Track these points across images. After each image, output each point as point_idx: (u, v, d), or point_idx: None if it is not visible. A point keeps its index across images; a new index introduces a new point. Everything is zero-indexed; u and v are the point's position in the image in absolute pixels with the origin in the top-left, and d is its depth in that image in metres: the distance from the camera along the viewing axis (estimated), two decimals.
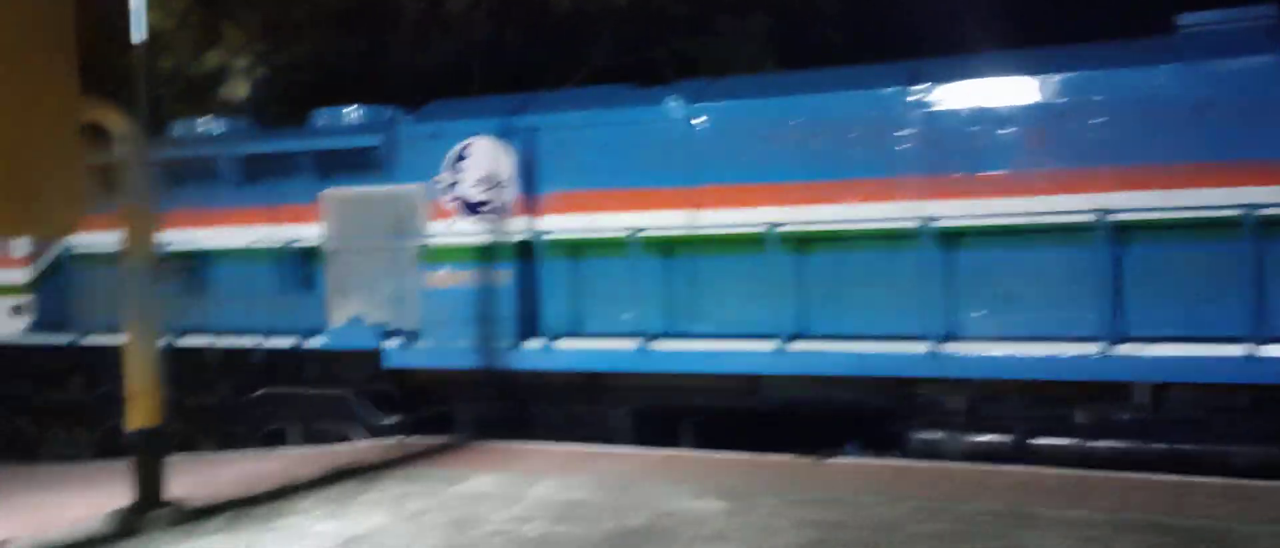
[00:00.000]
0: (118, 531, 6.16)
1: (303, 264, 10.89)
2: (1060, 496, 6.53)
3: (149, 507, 6.33)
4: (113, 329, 11.48)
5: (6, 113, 5.45)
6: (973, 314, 8.11)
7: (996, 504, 6.34)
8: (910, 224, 8.10)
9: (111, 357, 11.55)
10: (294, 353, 10.66)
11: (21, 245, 11.84)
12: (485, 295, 9.71)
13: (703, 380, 8.99)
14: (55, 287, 11.99)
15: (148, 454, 6.37)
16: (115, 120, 6.30)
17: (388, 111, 11.13)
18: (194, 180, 11.46)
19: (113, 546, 5.98)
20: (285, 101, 21.02)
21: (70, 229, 6.07)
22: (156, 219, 6.68)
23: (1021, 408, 8.06)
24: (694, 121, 9.16)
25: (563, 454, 8.48)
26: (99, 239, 11.59)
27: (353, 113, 11.14)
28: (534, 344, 9.49)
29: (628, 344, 9.08)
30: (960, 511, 6.22)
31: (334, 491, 7.33)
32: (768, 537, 5.71)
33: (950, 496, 6.58)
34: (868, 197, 8.46)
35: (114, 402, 11.57)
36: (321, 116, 11.38)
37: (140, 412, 6.37)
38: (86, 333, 11.52)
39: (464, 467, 8.03)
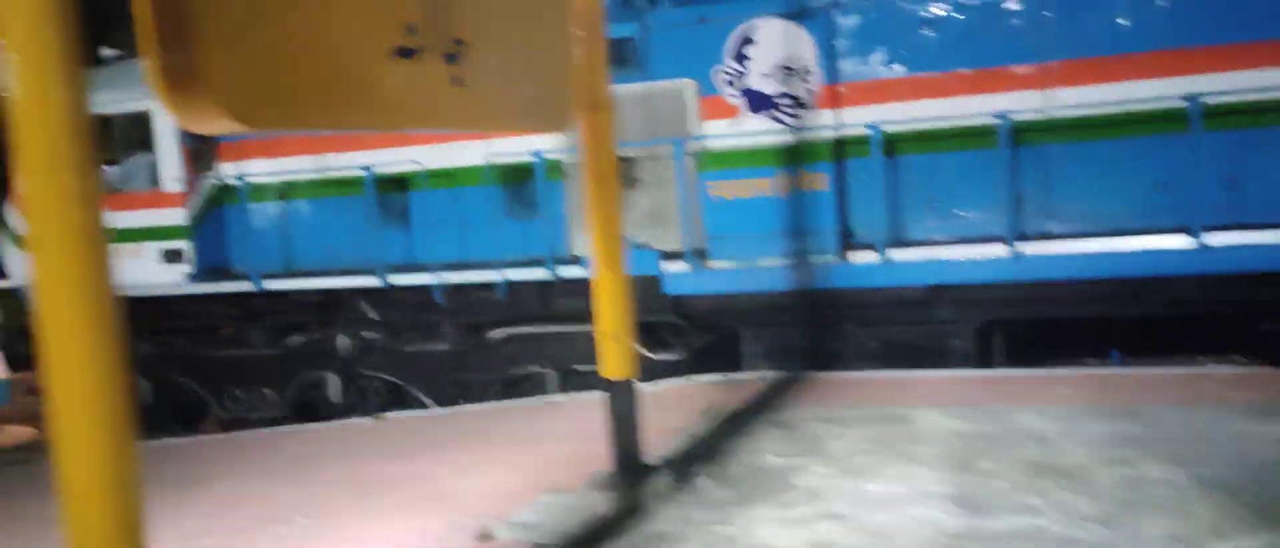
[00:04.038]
0: (622, 507, 4.76)
1: (528, 182, 9.40)
2: None
3: (636, 473, 4.95)
4: (318, 272, 9.99)
5: None
6: None
7: None
8: None
9: (309, 302, 10.04)
10: (541, 286, 9.19)
11: (174, 181, 10.12)
12: (797, 204, 8.33)
13: (1067, 288, 7.76)
14: (221, 226, 10.32)
15: (627, 410, 4.96)
16: None
17: None
18: None
19: (630, 526, 4.58)
20: None
21: (567, 125, 4.58)
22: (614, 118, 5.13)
23: None
24: None
25: (982, 383, 7.21)
26: (285, 165, 10.00)
27: None
28: (866, 257, 8.16)
29: (986, 251, 7.83)
30: None
31: (773, 438, 6.00)
32: None
33: None
34: None
35: (307, 355, 10.09)
36: None
37: (616, 359, 4.94)
38: (268, 278, 9.92)
39: (899, 404, 6.68)
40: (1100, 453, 5.11)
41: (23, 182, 2.17)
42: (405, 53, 3.29)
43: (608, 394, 4.98)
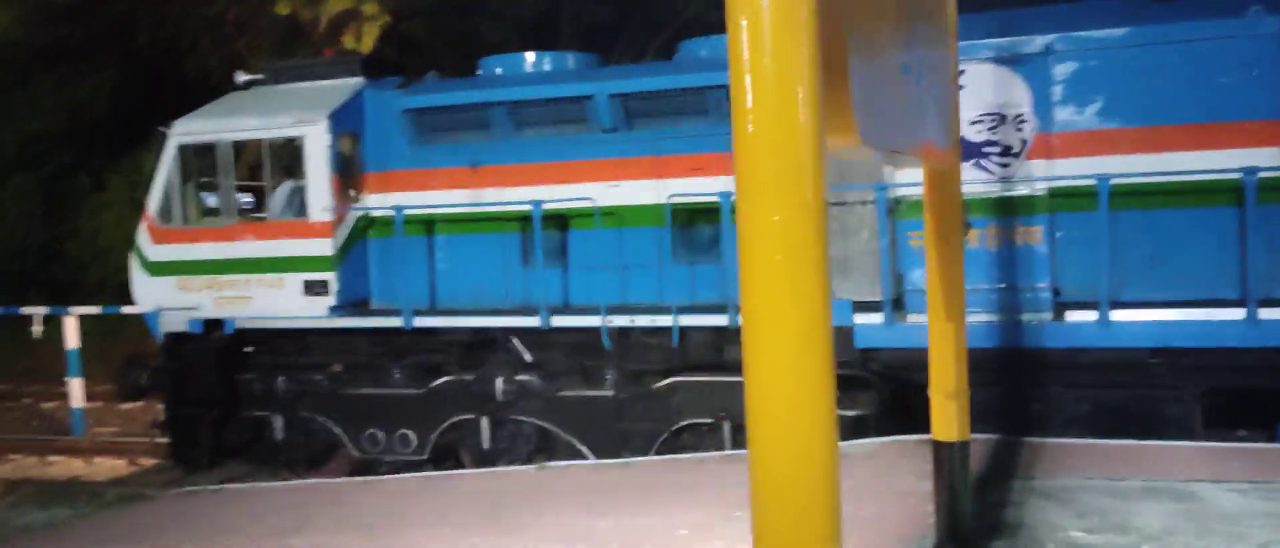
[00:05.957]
0: None
1: (699, 225, 8.99)
2: None
3: (967, 546, 4.47)
4: (469, 310, 9.54)
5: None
6: None
7: None
8: None
9: (458, 341, 9.53)
10: (715, 332, 8.73)
11: (323, 210, 9.70)
12: (1006, 258, 7.88)
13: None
14: (367, 258, 9.92)
15: (961, 476, 4.49)
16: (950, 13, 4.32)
17: None
18: (535, 126, 9.49)
19: None
20: (403, 51, 19.39)
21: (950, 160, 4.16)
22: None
23: None
24: None
25: (1231, 455, 6.70)
26: (434, 199, 9.59)
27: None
28: (1082, 316, 7.68)
29: (1218, 314, 7.34)
30: None
31: (1052, 509, 5.50)
32: None
33: None
34: None
35: (454, 396, 9.60)
36: (701, 47, 9.46)
37: (951, 420, 4.47)
38: (419, 314, 9.47)
39: (1159, 475, 6.16)
40: None
41: (743, 204, 1.81)
42: (906, 69, 2.88)
43: (938, 458, 4.51)
